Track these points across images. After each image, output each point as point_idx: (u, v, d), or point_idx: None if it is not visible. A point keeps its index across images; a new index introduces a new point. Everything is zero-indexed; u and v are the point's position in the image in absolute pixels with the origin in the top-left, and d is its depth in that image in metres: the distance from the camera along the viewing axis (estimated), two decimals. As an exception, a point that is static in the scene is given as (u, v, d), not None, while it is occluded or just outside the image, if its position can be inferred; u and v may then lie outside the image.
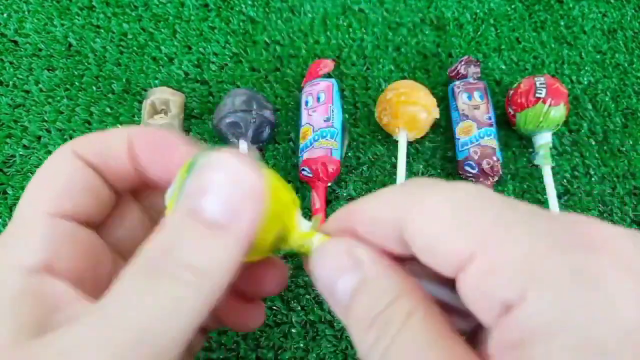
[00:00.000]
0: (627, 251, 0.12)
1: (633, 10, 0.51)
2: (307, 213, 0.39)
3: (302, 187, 0.41)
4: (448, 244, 0.13)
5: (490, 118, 0.41)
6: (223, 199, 0.14)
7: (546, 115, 0.40)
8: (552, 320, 0.11)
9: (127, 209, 0.20)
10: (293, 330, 0.35)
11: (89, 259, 0.17)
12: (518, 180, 0.42)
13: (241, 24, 0.49)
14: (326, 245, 0.16)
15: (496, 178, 0.40)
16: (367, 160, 0.42)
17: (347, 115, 0.44)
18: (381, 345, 0.13)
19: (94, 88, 0.44)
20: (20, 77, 0.45)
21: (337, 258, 0.15)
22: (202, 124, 0.43)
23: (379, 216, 0.15)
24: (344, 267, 0.15)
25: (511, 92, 0.43)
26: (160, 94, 0.41)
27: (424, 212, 0.14)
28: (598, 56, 0.49)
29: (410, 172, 0.42)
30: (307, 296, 0.36)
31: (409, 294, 0.14)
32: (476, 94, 0.42)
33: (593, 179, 0.42)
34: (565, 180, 0.42)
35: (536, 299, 0.11)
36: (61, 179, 0.17)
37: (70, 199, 0.17)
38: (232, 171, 0.14)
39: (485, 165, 0.39)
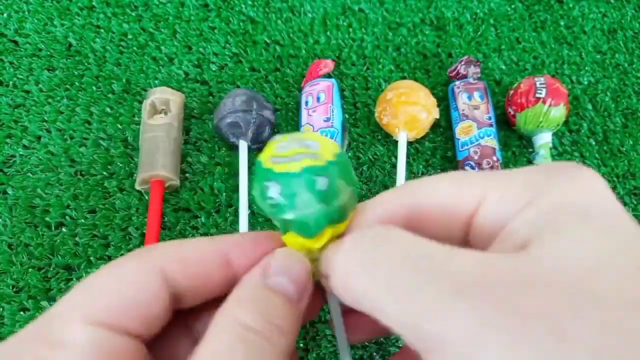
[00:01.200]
0: (600, 188, 0.14)
1: (633, 10, 0.51)
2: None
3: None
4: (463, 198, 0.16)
5: (490, 118, 0.41)
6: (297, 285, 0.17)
7: (546, 115, 0.40)
8: (553, 209, 0.14)
9: (178, 327, 0.19)
10: (293, 330, 0.35)
11: None
12: (518, 180, 0.42)
13: (241, 24, 0.49)
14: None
15: (496, 178, 0.40)
16: (367, 160, 0.42)
17: (347, 115, 0.44)
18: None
19: (94, 88, 0.44)
20: (20, 77, 0.45)
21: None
22: (202, 124, 0.43)
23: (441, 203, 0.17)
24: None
25: (511, 92, 0.43)
26: (160, 94, 0.41)
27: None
28: (598, 56, 0.49)
29: (410, 172, 0.42)
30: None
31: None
32: (476, 94, 0.42)
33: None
34: (565, 180, 0.42)
35: (541, 198, 0.14)
36: (130, 295, 0.16)
37: (129, 321, 0.15)
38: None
39: (485, 166, 0.39)
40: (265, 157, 0.17)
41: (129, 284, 0.16)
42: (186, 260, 0.17)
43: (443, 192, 0.16)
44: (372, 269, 0.14)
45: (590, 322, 0.11)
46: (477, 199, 0.15)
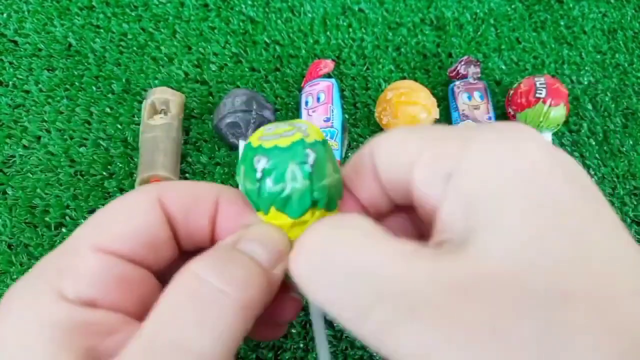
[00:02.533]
0: (532, 130, 0.15)
1: (633, 10, 0.51)
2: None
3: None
4: (399, 157, 0.16)
5: (490, 118, 0.41)
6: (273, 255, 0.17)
7: (546, 115, 0.40)
8: (478, 182, 0.14)
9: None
10: (293, 331, 0.35)
11: (141, 300, 0.16)
12: (518, 180, 0.42)
13: (241, 24, 0.49)
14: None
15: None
16: (367, 160, 0.42)
17: (347, 115, 0.44)
18: None
19: (94, 88, 0.44)
20: (20, 77, 0.45)
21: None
22: (202, 124, 0.43)
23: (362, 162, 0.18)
24: None
25: (511, 92, 0.43)
26: (160, 94, 0.41)
27: (384, 139, 0.17)
28: (598, 56, 0.49)
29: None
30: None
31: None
32: (476, 94, 0.42)
33: (593, 179, 0.42)
34: (565, 181, 0.42)
35: (466, 166, 0.14)
36: (133, 222, 0.16)
37: (135, 247, 0.16)
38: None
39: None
40: (254, 138, 0.18)
41: (131, 213, 0.17)
42: (181, 191, 0.18)
43: (391, 144, 0.17)
44: (323, 283, 0.14)
45: (532, 322, 0.11)
46: (414, 154, 0.16)
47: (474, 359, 0.11)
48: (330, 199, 0.17)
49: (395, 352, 0.13)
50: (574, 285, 0.12)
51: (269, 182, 0.17)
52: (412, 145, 0.16)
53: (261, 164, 0.17)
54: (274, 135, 0.17)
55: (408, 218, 0.19)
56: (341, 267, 0.14)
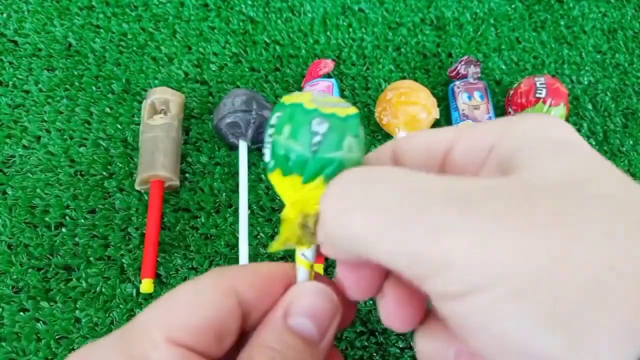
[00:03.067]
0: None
1: (633, 10, 0.51)
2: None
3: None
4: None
5: (490, 118, 0.41)
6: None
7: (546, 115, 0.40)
8: (520, 144, 0.15)
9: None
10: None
11: None
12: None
13: (241, 24, 0.49)
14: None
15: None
16: (367, 160, 0.42)
17: (347, 115, 0.44)
18: None
19: (94, 88, 0.44)
20: (20, 77, 0.45)
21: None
22: (202, 124, 0.43)
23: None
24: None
25: (511, 92, 0.43)
26: (160, 94, 0.41)
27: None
28: (598, 56, 0.49)
29: (410, 172, 0.42)
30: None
31: None
32: (476, 94, 0.42)
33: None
34: (565, 180, 0.42)
35: (508, 140, 0.15)
36: (208, 315, 0.16)
37: (208, 340, 0.16)
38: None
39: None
40: (304, 99, 0.17)
41: (206, 304, 0.16)
42: (255, 279, 0.17)
43: (421, 136, 0.17)
44: (367, 202, 0.14)
45: (597, 212, 0.12)
46: (450, 138, 0.16)
47: (538, 244, 0.11)
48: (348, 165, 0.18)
49: (440, 259, 0.12)
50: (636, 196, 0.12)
51: (326, 148, 0.16)
52: (447, 132, 0.16)
53: (322, 127, 0.16)
54: (325, 102, 0.17)
55: None
56: (390, 180, 0.14)
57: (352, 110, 0.17)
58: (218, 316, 0.16)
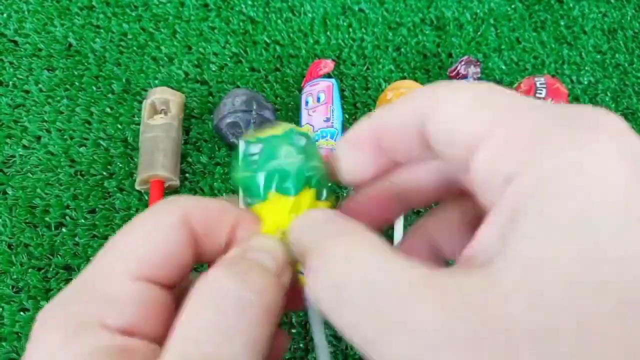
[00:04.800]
0: (626, 132, 0.12)
1: (633, 10, 0.51)
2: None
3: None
4: (466, 124, 0.14)
5: (490, 118, 0.41)
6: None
7: (546, 115, 0.40)
8: (536, 191, 0.11)
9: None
10: (293, 331, 0.35)
11: (168, 321, 0.16)
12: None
13: (241, 24, 0.49)
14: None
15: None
16: (367, 160, 0.43)
17: (347, 115, 0.44)
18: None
19: (94, 88, 0.44)
20: (20, 77, 0.45)
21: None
22: (202, 124, 0.43)
23: (403, 121, 0.16)
24: None
25: (511, 92, 0.43)
26: (160, 94, 0.41)
27: (448, 99, 0.14)
28: (598, 56, 0.49)
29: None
30: (307, 296, 0.36)
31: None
32: (476, 94, 0.42)
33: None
34: (565, 181, 0.42)
35: (531, 171, 0.12)
36: (163, 244, 0.16)
37: (164, 267, 0.16)
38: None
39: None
40: (249, 136, 0.19)
41: (161, 237, 0.17)
42: (203, 209, 0.17)
43: (394, 115, 0.16)
44: (337, 308, 0.14)
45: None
46: (477, 139, 0.14)
47: None
48: (321, 180, 0.18)
49: None
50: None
51: (265, 163, 0.18)
52: (478, 122, 0.13)
53: (256, 148, 0.18)
54: (266, 131, 0.19)
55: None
56: (359, 289, 0.13)
57: (289, 126, 0.18)
58: (175, 246, 0.16)
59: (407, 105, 0.16)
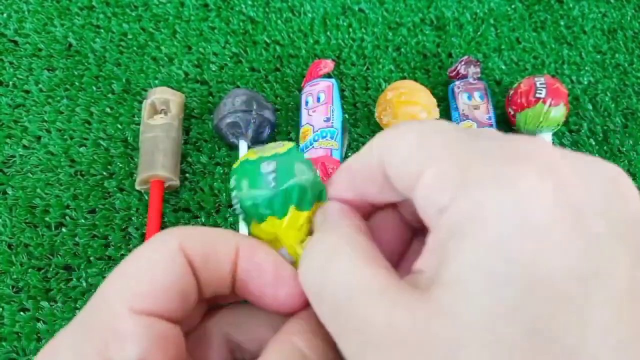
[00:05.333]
0: (553, 159, 0.13)
1: (633, 10, 0.51)
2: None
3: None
4: (409, 165, 0.15)
5: (490, 118, 0.41)
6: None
7: (546, 115, 0.40)
8: (467, 218, 0.13)
9: (199, 311, 0.19)
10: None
11: (177, 355, 0.16)
12: (518, 180, 0.42)
13: (241, 24, 0.49)
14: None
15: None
16: (367, 160, 0.42)
17: (347, 115, 0.44)
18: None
19: (94, 88, 0.44)
20: (20, 77, 0.45)
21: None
22: (202, 124, 0.43)
23: (367, 164, 0.17)
24: None
25: (511, 92, 0.43)
26: (160, 94, 0.41)
27: (395, 143, 0.16)
28: (598, 56, 0.49)
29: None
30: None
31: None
32: (476, 94, 0.42)
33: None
34: (565, 181, 0.42)
35: (461, 201, 0.13)
36: (161, 276, 0.16)
37: (164, 299, 0.16)
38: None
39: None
40: (249, 155, 0.19)
41: (158, 268, 0.16)
42: (200, 238, 0.17)
43: (401, 158, 0.17)
44: (316, 299, 0.16)
45: None
46: (418, 173, 0.15)
47: None
48: (320, 193, 0.19)
49: None
50: None
51: (282, 179, 0.18)
52: (415, 163, 0.15)
53: (271, 166, 0.18)
54: (265, 149, 0.19)
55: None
56: (331, 302, 0.15)
57: (290, 144, 0.19)
58: (173, 276, 0.16)
59: (370, 151, 0.17)
